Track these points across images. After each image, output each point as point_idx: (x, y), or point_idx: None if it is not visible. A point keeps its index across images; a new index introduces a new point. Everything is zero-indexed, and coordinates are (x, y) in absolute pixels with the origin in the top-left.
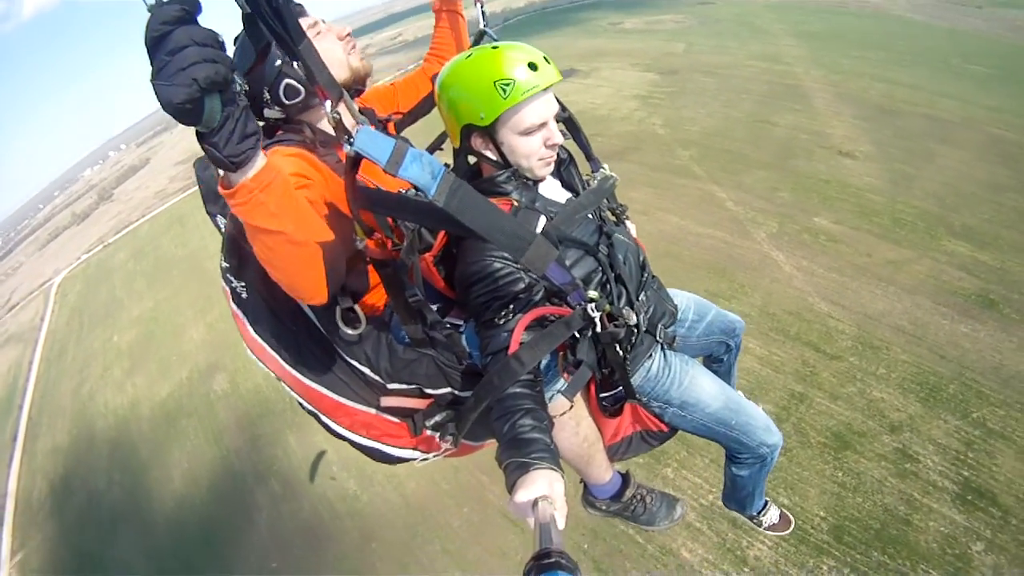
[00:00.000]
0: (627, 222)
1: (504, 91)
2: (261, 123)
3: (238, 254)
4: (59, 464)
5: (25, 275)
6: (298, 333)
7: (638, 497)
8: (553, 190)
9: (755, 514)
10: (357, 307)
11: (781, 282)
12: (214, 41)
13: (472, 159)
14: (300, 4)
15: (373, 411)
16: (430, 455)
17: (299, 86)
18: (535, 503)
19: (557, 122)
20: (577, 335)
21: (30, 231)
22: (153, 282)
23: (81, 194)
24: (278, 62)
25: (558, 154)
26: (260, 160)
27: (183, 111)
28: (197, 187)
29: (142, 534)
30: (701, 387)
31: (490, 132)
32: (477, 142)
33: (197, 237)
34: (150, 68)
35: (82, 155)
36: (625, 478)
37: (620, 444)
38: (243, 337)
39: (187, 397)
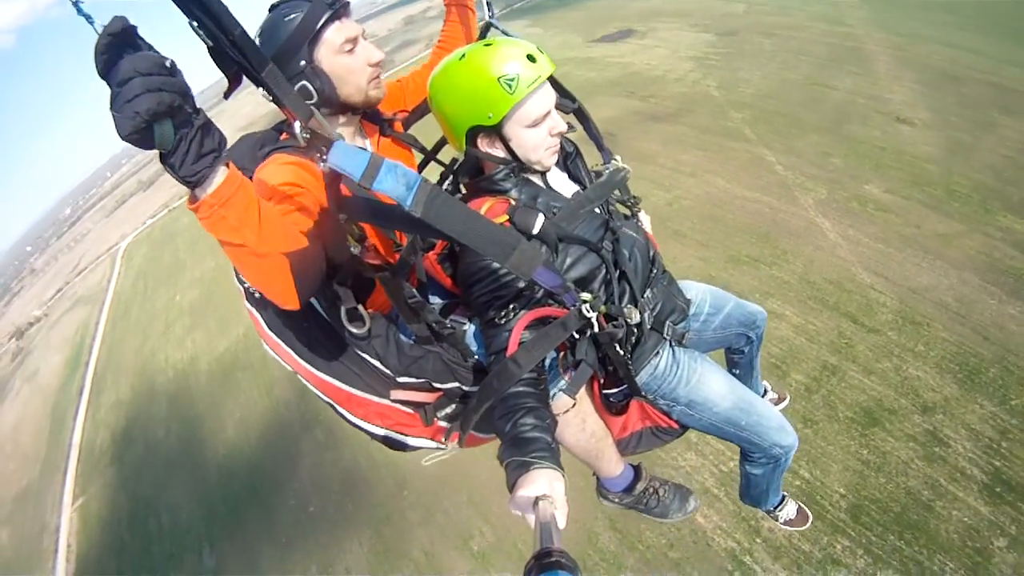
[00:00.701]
0: (640, 215)
1: (510, 87)
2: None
3: None
4: (121, 416)
5: (93, 241)
6: (311, 329)
7: (650, 490)
8: (560, 183)
9: (771, 509)
10: (360, 307)
11: (824, 250)
12: (160, 68)
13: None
14: (347, 3)
15: (387, 402)
16: (443, 447)
17: (312, 91)
18: (535, 502)
19: (567, 113)
20: (576, 335)
21: (98, 199)
22: (216, 244)
23: (147, 162)
24: (303, 62)
25: (564, 147)
26: (219, 177)
27: (133, 141)
28: None
29: (194, 480)
30: (709, 386)
31: (497, 130)
32: (483, 142)
33: None
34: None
35: None
36: (637, 471)
37: (629, 439)
38: (260, 334)
39: (243, 351)
